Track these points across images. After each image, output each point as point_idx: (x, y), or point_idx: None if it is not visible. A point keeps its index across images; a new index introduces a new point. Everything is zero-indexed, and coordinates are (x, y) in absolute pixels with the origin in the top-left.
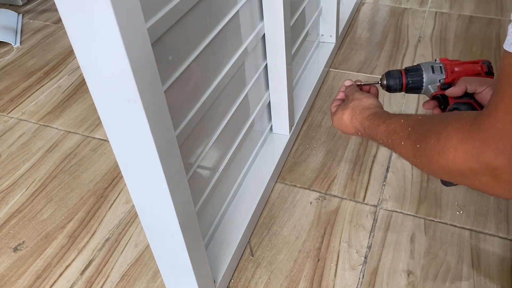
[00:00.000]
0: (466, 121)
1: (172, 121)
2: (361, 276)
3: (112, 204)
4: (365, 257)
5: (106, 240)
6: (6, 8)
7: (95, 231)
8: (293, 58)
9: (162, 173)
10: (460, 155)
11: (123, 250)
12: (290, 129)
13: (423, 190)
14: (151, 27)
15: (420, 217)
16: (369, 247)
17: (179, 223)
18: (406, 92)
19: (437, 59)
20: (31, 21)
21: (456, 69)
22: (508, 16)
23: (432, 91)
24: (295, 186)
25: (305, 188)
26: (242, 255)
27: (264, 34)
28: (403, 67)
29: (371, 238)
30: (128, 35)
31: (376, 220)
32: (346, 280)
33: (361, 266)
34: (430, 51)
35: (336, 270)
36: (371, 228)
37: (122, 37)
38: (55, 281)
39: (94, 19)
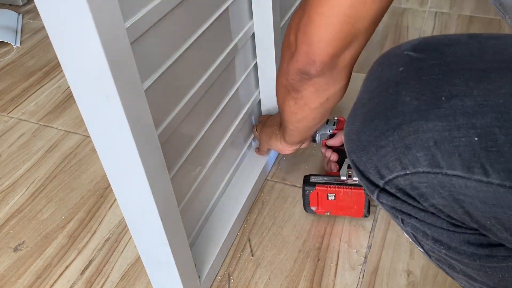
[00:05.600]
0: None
1: (155, 118)
2: (361, 276)
3: (112, 204)
4: (365, 257)
5: (106, 240)
6: (6, 8)
7: (95, 231)
8: None
9: (142, 169)
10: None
11: (123, 250)
12: None
13: None
14: (131, 27)
15: None
16: (369, 247)
17: (161, 218)
18: None
19: (335, 116)
20: (31, 21)
21: None
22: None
23: (323, 139)
24: (295, 186)
25: None
26: (237, 254)
27: (253, 33)
28: None
29: (371, 238)
30: (106, 35)
31: (376, 220)
32: (346, 280)
33: (361, 266)
34: None
35: (336, 270)
36: (371, 228)
37: (99, 36)
38: (55, 281)
39: (71, 18)
